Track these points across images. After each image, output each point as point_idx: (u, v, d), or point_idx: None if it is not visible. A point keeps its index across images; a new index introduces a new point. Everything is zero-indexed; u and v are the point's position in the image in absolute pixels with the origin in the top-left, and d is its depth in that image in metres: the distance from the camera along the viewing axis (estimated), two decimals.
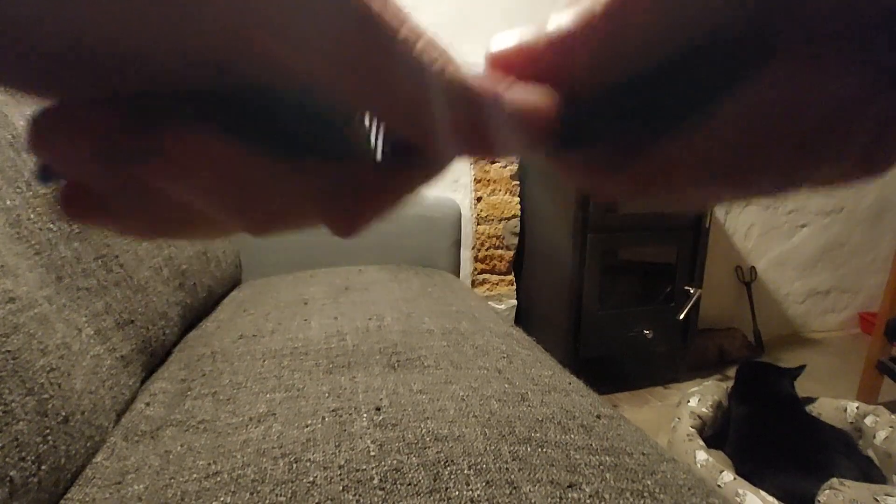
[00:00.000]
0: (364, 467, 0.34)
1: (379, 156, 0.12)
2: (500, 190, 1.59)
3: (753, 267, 1.95)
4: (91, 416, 0.41)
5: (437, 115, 0.11)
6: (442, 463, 0.34)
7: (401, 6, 0.10)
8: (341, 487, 0.32)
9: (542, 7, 1.52)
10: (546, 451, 0.36)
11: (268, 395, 0.46)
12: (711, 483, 0.88)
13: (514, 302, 1.66)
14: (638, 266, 1.58)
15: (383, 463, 0.34)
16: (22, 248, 0.43)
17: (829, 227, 2.02)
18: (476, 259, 1.62)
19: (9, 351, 0.34)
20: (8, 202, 0.44)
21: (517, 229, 1.63)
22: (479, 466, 0.34)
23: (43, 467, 0.34)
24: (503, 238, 1.62)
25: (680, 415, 1.10)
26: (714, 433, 1.12)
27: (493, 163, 1.57)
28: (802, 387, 1.16)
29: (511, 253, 1.64)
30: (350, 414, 0.41)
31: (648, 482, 0.34)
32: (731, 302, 1.96)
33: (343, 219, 0.13)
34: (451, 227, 1.12)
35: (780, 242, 1.97)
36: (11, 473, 0.31)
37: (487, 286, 1.64)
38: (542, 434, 0.39)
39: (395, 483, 0.32)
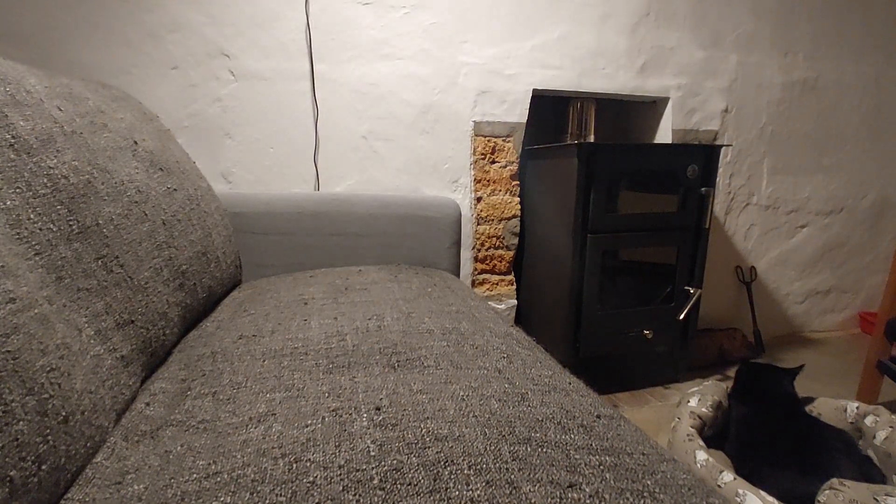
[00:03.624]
0: (364, 467, 0.34)
1: None
2: (500, 190, 1.59)
3: (753, 267, 1.95)
4: (91, 416, 0.41)
5: None
6: (442, 463, 0.34)
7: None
8: (341, 487, 0.32)
9: (542, 7, 1.52)
10: (546, 451, 0.36)
11: (268, 395, 0.46)
12: (711, 483, 0.88)
13: (514, 302, 1.66)
14: (638, 266, 1.58)
15: (383, 463, 0.34)
16: (22, 249, 0.43)
17: (829, 227, 2.02)
18: (476, 259, 1.62)
19: (9, 351, 0.34)
20: (8, 202, 0.44)
21: (517, 229, 1.63)
22: (479, 466, 0.34)
23: (43, 467, 0.34)
24: (503, 238, 1.62)
25: (680, 415, 1.10)
26: (714, 433, 1.12)
27: (493, 163, 1.57)
28: (802, 387, 1.16)
29: (511, 253, 1.64)
30: (350, 414, 0.41)
31: (648, 482, 0.34)
32: (731, 302, 1.96)
33: None
34: (451, 227, 1.12)
35: (780, 242, 1.98)
36: (11, 473, 0.31)
37: (487, 286, 1.64)
38: (542, 434, 0.38)
39: (395, 483, 0.32)
